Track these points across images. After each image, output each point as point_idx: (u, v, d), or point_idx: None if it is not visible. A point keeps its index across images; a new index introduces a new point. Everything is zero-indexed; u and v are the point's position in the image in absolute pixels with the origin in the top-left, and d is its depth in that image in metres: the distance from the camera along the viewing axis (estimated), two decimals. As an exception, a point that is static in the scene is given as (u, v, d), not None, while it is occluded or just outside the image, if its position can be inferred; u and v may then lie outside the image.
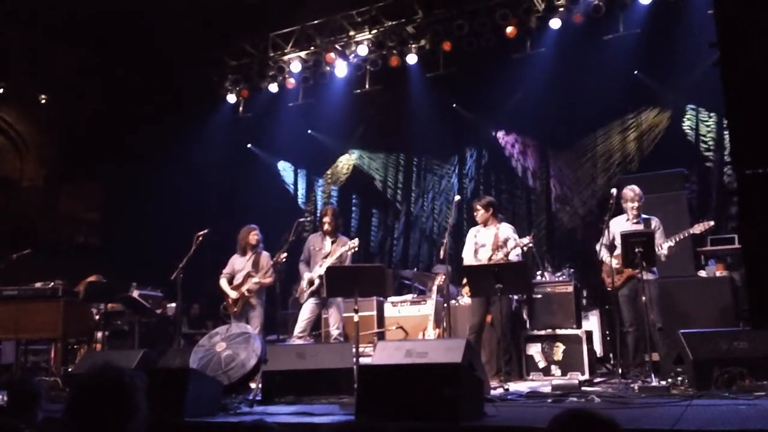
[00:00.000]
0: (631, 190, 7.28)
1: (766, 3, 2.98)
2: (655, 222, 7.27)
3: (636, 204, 7.22)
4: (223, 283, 8.54)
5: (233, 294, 8.40)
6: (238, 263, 8.57)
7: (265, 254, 8.55)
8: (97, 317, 9.24)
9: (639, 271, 6.59)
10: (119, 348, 8.94)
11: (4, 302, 8.67)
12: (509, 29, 10.34)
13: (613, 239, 7.19)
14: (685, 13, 9.45)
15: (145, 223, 12.32)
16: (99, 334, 9.18)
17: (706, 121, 10.35)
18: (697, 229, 7.03)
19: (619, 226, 7.31)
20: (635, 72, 10.54)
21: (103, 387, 2.36)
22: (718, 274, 8.21)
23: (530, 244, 7.68)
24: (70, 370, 8.44)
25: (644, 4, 9.73)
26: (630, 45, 10.12)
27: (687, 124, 10.53)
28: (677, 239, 7.07)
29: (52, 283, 8.74)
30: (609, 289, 7.31)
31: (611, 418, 2.25)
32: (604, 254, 7.31)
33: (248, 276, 8.36)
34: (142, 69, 12.22)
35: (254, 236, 8.60)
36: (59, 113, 13.22)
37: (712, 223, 6.99)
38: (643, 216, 7.29)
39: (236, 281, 8.46)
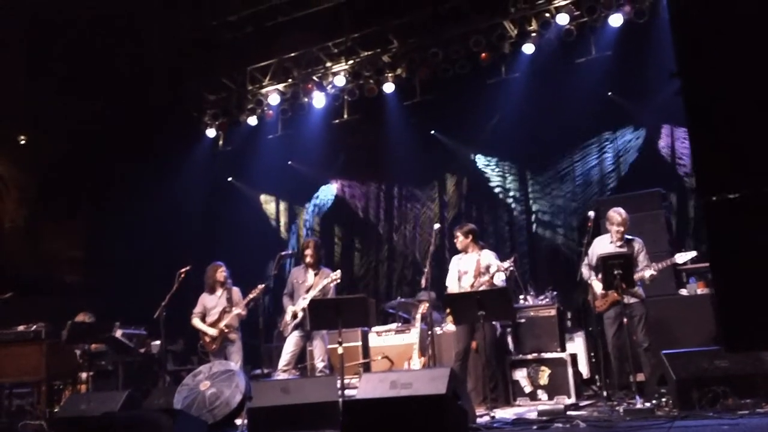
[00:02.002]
0: (618, 214, 7.31)
1: (723, 27, 3.04)
2: (638, 244, 7.30)
3: (622, 228, 7.27)
4: (197, 322, 8.55)
5: (212, 331, 8.39)
6: (209, 301, 8.59)
7: (236, 289, 8.62)
8: (80, 359, 9.15)
9: (621, 295, 6.64)
10: (104, 388, 8.84)
11: (-13, 346, 8.59)
12: (483, 55, 10.47)
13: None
14: (655, 34, 9.58)
15: (127, 260, 12.25)
16: (83, 375, 9.10)
17: (682, 139, 10.44)
18: (680, 259, 7.11)
19: (602, 247, 7.36)
20: (609, 93, 10.65)
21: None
22: (699, 291, 8.27)
23: (511, 268, 7.71)
24: (55, 411, 8.34)
25: (614, 27, 9.88)
26: (602, 67, 10.25)
27: (663, 143, 10.63)
28: (660, 267, 7.12)
29: (35, 326, 8.66)
30: (596, 312, 7.35)
31: None
32: (586, 274, 7.36)
33: (224, 312, 8.37)
34: (121, 106, 12.22)
35: (221, 273, 8.64)
36: (39, 153, 13.18)
37: (694, 253, 7.09)
38: (627, 237, 7.33)
39: (211, 318, 8.46)
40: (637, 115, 10.75)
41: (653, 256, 7.35)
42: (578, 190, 11.10)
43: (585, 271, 7.34)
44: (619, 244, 7.28)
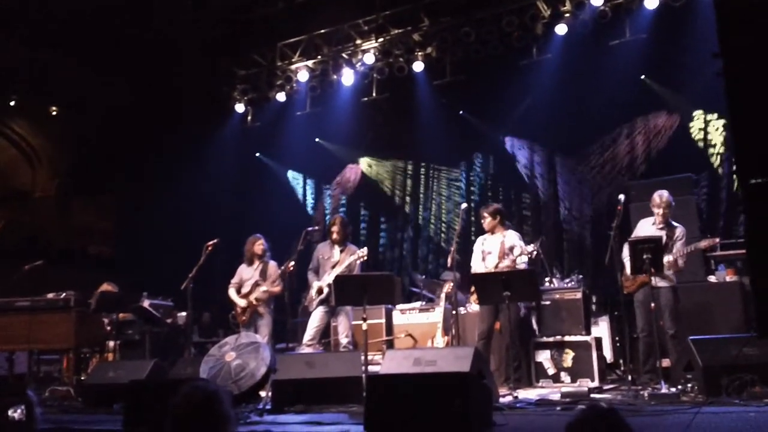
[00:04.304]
0: (659, 197, 7.23)
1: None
2: (679, 230, 7.20)
3: (661, 211, 7.19)
4: (232, 292, 8.60)
5: (242, 302, 8.45)
6: (246, 273, 8.63)
7: (272, 263, 8.62)
8: (108, 327, 9.29)
9: (650, 278, 6.58)
10: (131, 358, 8.98)
11: (17, 313, 8.70)
12: (515, 34, 10.38)
13: None
14: (692, 17, 9.44)
15: (155, 233, 12.39)
16: (111, 344, 9.23)
17: (715, 125, 10.29)
18: (703, 244, 7.06)
19: (644, 229, 7.30)
20: (642, 77, 10.52)
21: (201, 403, 2.71)
22: (728, 279, 8.17)
23: (536, 251, 7.66)
24: (82, 378, 8.49)
25: (650, 9, 9.74)
26: (636, 50, 10.14)
27: (696, 129, 10.49)
28: (684, 252, 7.05)
29: (64, 294, 8.77)
30: (625, 292, 7.30)
31: None
32: (625, 254, 7.23)
33: (256, 285, 8.41)
34: (151, 81, 12.30)
35: (260, 246, 8.66)
36: (70, 125, 13.34)
37: (717, 240, 7.09)
38: (671, 222, 7.25)
39: (244, 290, 8.52)
40: (671, 99, 10.62)
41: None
42: (608, 173, 11.01)
43: (625, 250, 7.24)
44: (660, 227, 7.20)
